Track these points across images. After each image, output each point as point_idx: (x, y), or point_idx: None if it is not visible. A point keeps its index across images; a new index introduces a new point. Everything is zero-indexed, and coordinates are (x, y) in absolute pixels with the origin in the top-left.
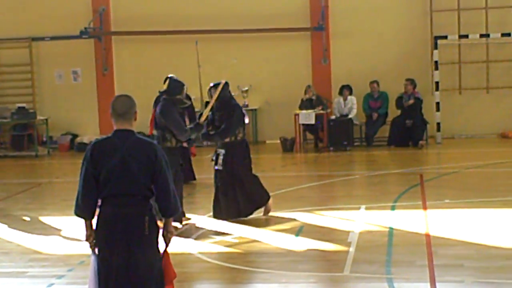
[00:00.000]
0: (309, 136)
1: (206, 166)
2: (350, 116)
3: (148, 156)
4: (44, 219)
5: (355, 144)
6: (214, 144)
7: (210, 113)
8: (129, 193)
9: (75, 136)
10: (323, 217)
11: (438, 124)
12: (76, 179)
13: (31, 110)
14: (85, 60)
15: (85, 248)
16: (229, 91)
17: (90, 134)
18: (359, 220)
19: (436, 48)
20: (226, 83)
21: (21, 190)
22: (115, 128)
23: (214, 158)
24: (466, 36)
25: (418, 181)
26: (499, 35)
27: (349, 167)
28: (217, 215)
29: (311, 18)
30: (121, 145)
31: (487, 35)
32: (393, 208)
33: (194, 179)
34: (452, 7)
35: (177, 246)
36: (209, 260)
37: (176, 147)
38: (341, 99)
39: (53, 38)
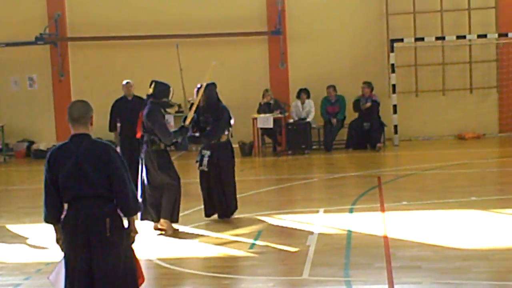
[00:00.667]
0: (268, 140)
1: None
2: (308, 119)
3: (101, 158)
4: (0, 227)
5: (314, 147)
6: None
7: (195, 115)
8: (87, 196)
9: (31, 143)
10: (282, 220)
11: (396, 126)
12: (32, 187)
13: None
14: (41, 66)
15: (42, 257)
16: (216, 92)
17: (46, 140)
18: (318, 223)
19: (392, 51)
20: (213, 84)
21: None
22: (72, 133)
23: (198, 159)
24: (422, 39)
25: (376, 183)
26: (455, 37)
27: (308, 170)
28: (209, 213)
29: (268, 22)
30: (75, 149)
31: (443, 38)
32: (351, 211)
33: None
34: (408, 10)
35: (136, 251)
36: (167, 266)
37: (165, 150)
38: (299, 103)
39: (8, 44)
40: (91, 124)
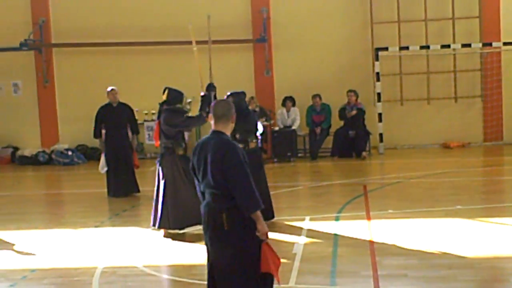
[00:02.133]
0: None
1: (149, 178)
2: (293, 127)
3: (218, 155)
4: None
5: (299, 155)
6: None
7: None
8: (211, 191)
9: (16, 149)
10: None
11: (381, 134)
12: (17, 193)
13: None
14: (25, 72)
15: (28, 263)
16: (245, 102)
17: (31, 147)
18: (304, 231)
19: (377, 59)
20: (243, 93)
21: None
22: (212, 129)
23: None
24: (407, 48)
25: (361, 191)
26: (439, 46)
27: (293, 178)
28: None
29: (253, 30)
30: (207, 145)
31: (427, 47)
32: (337, 218)
33: (138, 191)
34: (393, 19)
35: (121, 259)
36: (153, 273)
37: (185, 155)
38: (284, 111)
39: None
40: (232, 122)
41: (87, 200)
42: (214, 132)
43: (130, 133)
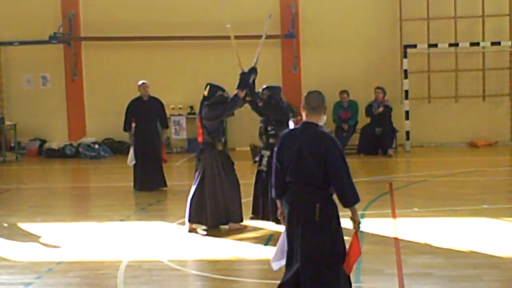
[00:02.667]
0: None
1: (175, 173)
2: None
3: (320, 148)
4: (12, 225)
5: None
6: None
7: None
8: (302, 181)
9: (43, 141)
10: None
11: (407, 132)
12: (44, 185)
13: None
14: (54, 65)
15: (53, 256)
16: (281, 96)
17: (58, 139)
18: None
19: (405, 57)
20: (279, 88)
21: None
22: (304, 120)
23: (258, 159)
24: (435, 45)
25: (387, 189)
26: (468, 44)
27: None
28: (256, 215)
29: (282, 26)
30: (300, 136)
31: (456, 44)
32: (362, 216)
33: (165, 185)
34: (422, 16)
35: (146, 253)
36: (178, 267)
37: (224, 150)
38: None
39: (22, 43)
40: (324, 114)
41: (113, 193)
42: (308, 123)
43: (159, 127)
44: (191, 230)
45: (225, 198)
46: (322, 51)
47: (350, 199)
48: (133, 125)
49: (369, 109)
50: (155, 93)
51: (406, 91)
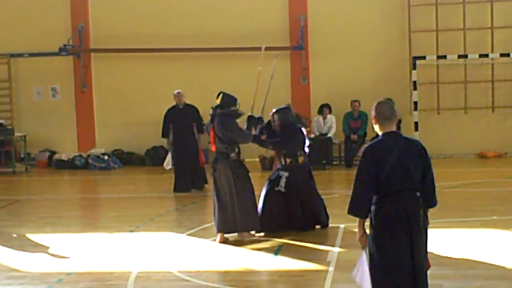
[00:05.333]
0: None
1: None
2: (329, 135)
3: (420, 153)
4: (22, 236)
5: (334, 163)
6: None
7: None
8: (406, 188)
9: (53, 152)
10: (302, 236)
11: None
12: (53, 196)
13: (9, 127)
14: (63, 77)
15: (63, 266)
16: (292, 116)
17: (68, 151)
18: (338, 239)
19: (414, 68)
20: (289, 108)
21: None
22: (380, 131)
23: (272, 177)
24: (444, 57)
25: None
26: (477, 56)
27: (328, 186)
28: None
29: (291, 38)
30: (394, 145)
31: (465, 56)
32: None
33: (203, 186)
34: (431, 28)
35: (156, 264)
36: (188, 278)
37: (239, 159)
38: (321, 118)
39: (32, 54)
40: (396, 121)
41: (122, 204)
42: (391, 133)
43: (196, 133)
44: (223, 241)
45: (234, 207)
46: (331, 62)
47: (436, 202)
48: (171, 132)
49: None
50: (165, 104)
51: (415, 103)
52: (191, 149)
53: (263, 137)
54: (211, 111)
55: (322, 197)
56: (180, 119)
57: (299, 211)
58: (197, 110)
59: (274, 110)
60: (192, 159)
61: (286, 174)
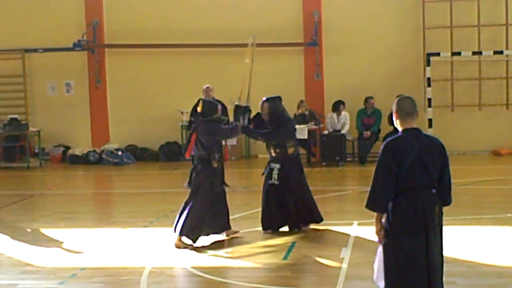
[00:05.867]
0: (302, 151)
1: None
2: (343, 131)
3: (440, 150)
4: (36, 231)
5: (348, 159)
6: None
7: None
8: (424, 185)
9: (67, 148)
10: (315, 232)
11: None
12: (67, 192)
13: (23, 122)
14: (78, 72)
15: (77, 261)
16: (282, 106)
17: (82, 146)
18: (352, 236)
19: (428, 65)
20: (279, 98)
21: (12, 202)
22: (401, 127)
23: (265, 172)
24: (459, 53)
25: None
26: (492, 52)
27: (342, 182)
28: (272, 228)
29: (305, 34)
30: (415, 142)
31: (480, 53)
32: None
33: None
34: (445, 24)
35: (169, 260)
36: (201, 274)
37: (219, 168)
38: (334, 115)
39: (46, 50)
40: (417, 117)
41: (136, 200)
42: (413, 129)
43: None
44: (179, 245)
45: (202, 215)
46: (345, 59)
47: (451, 199)
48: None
49: (391, 117)
50: (179, 100)
51: (429, 99)
52: None
53: (251, 127)
54: (232, 104)
55: (336, 193)
56: None
57: (292, 206)
58: (224, 107)
59: (264, 99)
60: None
61: (277, 166)
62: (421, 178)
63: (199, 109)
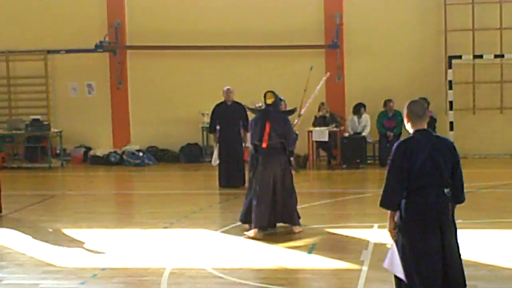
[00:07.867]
0: (322, 153)
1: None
2: (363, 134)
3: (450, 150)
4: (57, 231)
5: (368, 162)
6: None
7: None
8: (436, 184)
9: (88, 149)
10: (335, 235)
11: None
12: (89, 192)
13: (45, 122)
14: (99, 73)
15: (98, 262)
16: (280, 106)
17: (103, 147)
18: (372, 238)
19: (450, 67)
20: (279, 99)
21: (34, 202)
22: (412, 129)
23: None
24: (481, 56)
25: None
26: None
27: (362, 185)
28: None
29: (326, 36)
30: (426, 143)
31: (502, 56)
32: None
33: (244, 184)
34: (467, 27)
35: (189, 261)
36: (221, 275)
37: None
38: (355, 117)
39: (68, 51)
40: (427, 118)
41: (157, 201)
42: (423, 130)
43: (242, 130)
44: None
45: (279, 201)
46: (366, 61)
47: (464, 197)
48: (218, 127)
49: None
50: (200, 101)
51: (451, 102)
52: (236, 145)
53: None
54: (253, 106)
55: (356, 196)
56: (227, 116)
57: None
58: (244, 108)
59: (281, 97)
60: (237, 155)
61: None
62: (433, 177)
63: (269, 101)
